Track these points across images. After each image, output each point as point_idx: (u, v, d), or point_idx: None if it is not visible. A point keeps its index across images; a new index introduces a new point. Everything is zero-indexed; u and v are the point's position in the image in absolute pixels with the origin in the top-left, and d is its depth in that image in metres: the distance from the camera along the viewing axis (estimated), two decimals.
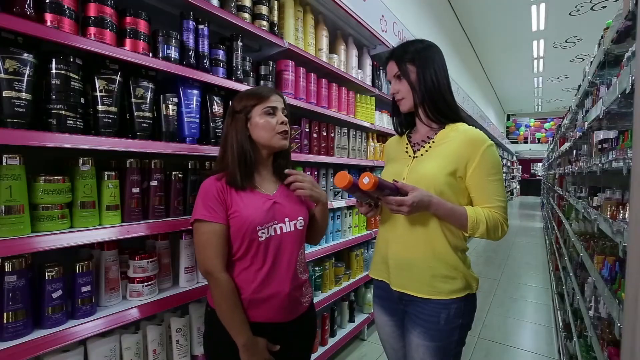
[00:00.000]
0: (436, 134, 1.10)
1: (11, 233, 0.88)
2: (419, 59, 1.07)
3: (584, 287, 1.99)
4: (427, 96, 1.07)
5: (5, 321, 0.89)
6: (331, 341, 2.22)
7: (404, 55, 1.09)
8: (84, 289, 1.05)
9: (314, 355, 2.01)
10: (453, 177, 1.03)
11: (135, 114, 1.18)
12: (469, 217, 0.99)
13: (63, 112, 0.98)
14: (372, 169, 2.79)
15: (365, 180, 0.89)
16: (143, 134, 1.19)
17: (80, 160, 1.05)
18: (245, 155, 1.04)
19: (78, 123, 1.02)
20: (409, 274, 1.07)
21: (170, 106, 1.27)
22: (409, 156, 1.13)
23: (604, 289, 1.36)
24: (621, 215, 1.38)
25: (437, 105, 1.08)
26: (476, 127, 1.08)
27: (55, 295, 0.98)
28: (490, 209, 1.02)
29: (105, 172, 1.12)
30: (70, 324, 1.00)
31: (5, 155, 0.88)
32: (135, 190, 1.18)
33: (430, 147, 1.09)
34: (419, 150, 1.12)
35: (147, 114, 1.20)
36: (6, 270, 0.89)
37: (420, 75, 1.07)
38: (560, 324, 2.70)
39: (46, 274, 0.98)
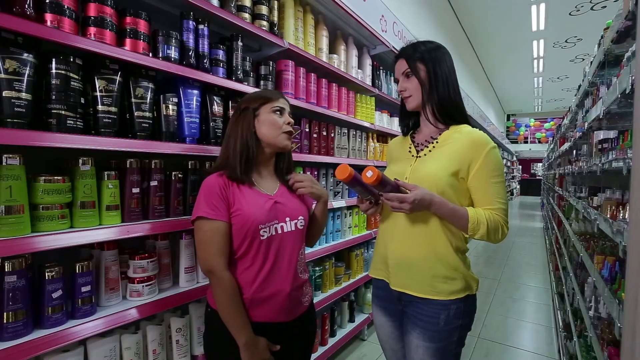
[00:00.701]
0: (440, 134, 1.10)
1: (11, 233, 0.88)
2: (429, 58, 1.08)
3: (584, 287, 1.99)
4: (436, 94, 1.07)
5: (5, 321, 0.89)
6: (331, 341, 2.21)
7: (414, 54, 1.09)
8: (84, 289, 1.05)
9: (314, 355, 2.01)
10: (455, 178, 1.03)
11: (135, 114, 1.17)
12: (470, 218, 0.99)
13: (63, 112, 0.98)
14: None
15: (369, 174, 0.88)
16: (143, 134, 1.19)
17: (80, 160, 1.05)
18: (248, 149, 1.05)
19: (78, 123, 1.02)
20: (408, 274, 1.06)
21: (170, 106, 1.27)
22: (412, 156, 1.13)
23: (604, 289, 1.36)
24: (621, 215, 1.38)
25: (445, 105, 1.08)
26: (476, 128, 1.08)
27: (55, 295, 0.98)
28: (491, 210, 1.02)
29: (105, 172, 1.11)
30: (70, 324, 1.00)
31: (5, 155, 0.88)
32: (135, 190, 1.18)
33: (433, 147, 1.09)
34: (422, 150, 1.12)
35: (147, 114, 1.20)
36: (6, 270, 0.89)
37: (430, 73, 1.07)
38: (560, 324, 2.70)
39: (46, 274, 0.98)
